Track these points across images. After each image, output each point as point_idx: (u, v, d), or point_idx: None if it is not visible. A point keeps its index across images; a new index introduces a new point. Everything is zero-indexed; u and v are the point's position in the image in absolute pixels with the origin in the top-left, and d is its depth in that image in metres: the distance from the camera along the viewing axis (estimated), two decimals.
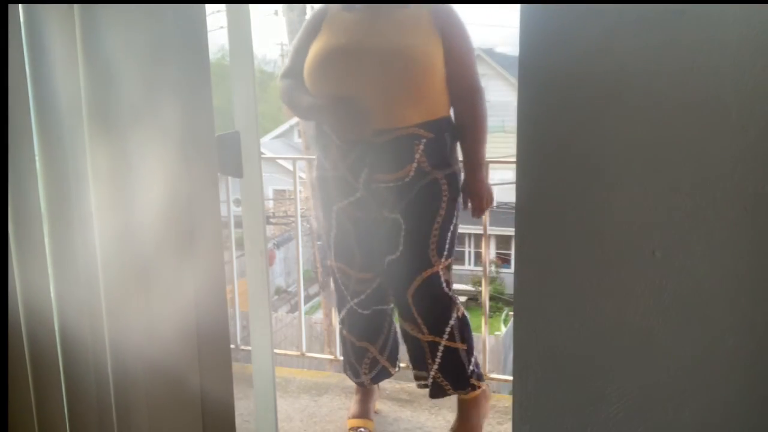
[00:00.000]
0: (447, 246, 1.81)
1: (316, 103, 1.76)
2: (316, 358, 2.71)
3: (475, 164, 1.83)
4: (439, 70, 1.71)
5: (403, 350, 2.03)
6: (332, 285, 2.02)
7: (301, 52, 1.81)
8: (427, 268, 1.79)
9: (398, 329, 2.02)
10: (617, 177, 0.83)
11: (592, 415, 0.91)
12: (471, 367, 1.90)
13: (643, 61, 0.79)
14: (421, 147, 1.73)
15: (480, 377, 1.94)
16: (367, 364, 2.03)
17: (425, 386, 1.95)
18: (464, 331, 1.87)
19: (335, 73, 1.72)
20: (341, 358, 2.17)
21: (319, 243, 7.66)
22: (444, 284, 1.82)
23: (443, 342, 1.84)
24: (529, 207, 0.88)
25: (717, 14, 0.76)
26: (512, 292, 0.94)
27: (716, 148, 0.79)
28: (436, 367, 1.87)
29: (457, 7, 1.77)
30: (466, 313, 1.89)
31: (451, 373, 1.88)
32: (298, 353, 2.68)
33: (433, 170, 1.76)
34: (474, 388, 1.90)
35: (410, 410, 2.20)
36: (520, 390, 0.93)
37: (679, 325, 0.85)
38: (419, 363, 1.91)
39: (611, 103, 0.82)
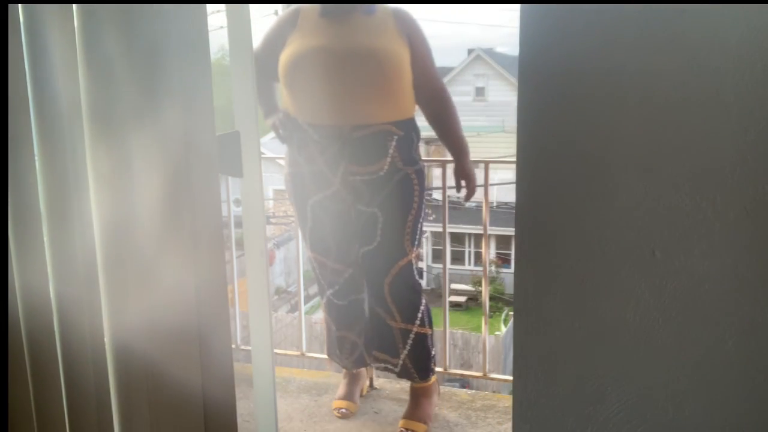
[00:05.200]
0: (417, 236, 1.97)
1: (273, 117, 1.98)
2: (316, 358, 2.71)
3: (463, 149, 2.01)
4: (407, 72, 1.87)
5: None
6: (313, 274, 2.17)
7: (270, 42, 1.94)
8: (403, 258, 1.95)
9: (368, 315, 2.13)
10: (617, 177, 0.83)
11: (592, 415, 0.91)
12: (434, 352, 2.08)
13: (643, 61, 0.79)
14: (394, 143, 1.88)
15: (434, 367, 2.13)
16: (347, 349, 2.16)
17: (387, 369, 2.11)
18: (430, 317, 2.06)
19: (316, 71, 1.85)
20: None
21: None
22: (416, 273, 1.99)
23: (415, 328, 2.01)
24: (529, 207, 0.88)
25: (717, 14, 0.76)
26: (512, 292, 0.94)
27: (716, 149, 0.79)
28: (405, 352, 2.03)
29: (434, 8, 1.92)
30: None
31: (419, 359, 2.04)
32: (298, 353, 2.68)
33: (405, 166, 1.91)
34: (433, 373, 2.11)
35: None
36: (520, 390, 0.93)
37: (679, 325, 0.85)
38: (389, 348, 2.06)
39: (611, 103, 0.82)
